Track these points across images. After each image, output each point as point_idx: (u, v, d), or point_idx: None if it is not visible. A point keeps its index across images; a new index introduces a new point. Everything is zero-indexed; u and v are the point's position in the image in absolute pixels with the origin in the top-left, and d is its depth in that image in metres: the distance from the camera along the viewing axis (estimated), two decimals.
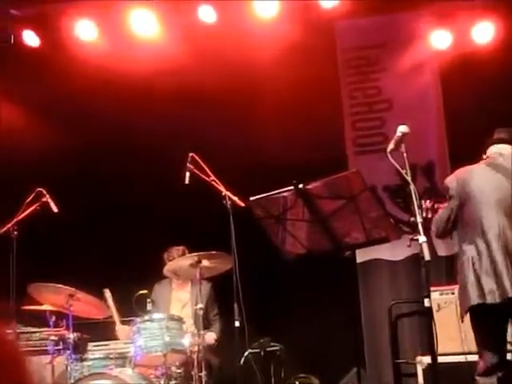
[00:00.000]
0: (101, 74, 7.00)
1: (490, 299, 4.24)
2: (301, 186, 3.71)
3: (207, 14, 7.21)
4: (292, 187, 3.74)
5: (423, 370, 5.81)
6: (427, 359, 5.59)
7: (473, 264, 4.31)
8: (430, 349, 3.67)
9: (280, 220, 3.89)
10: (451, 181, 4.62)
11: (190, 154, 5.62)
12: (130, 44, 7.22)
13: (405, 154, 3.76)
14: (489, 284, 4.24)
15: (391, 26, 7.39)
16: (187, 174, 5.57)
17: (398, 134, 3.88)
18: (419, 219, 3.59)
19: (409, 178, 3.63)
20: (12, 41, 7.90)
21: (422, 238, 3.54)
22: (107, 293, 5.95)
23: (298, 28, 6.95)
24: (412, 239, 3.56)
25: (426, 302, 3.58)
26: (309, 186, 3.72)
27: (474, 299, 4.28)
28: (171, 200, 6.88)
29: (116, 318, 6.05)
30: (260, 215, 3.94)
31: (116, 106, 7.22)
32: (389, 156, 3.76)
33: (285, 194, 3.79)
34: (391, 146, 3.83)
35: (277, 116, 6.86)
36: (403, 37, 7.28)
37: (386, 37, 7.38)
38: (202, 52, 7.14)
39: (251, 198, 3.91)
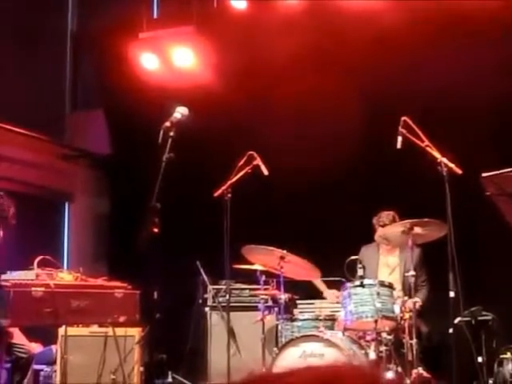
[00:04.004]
0: (307, 37, 6.97)
1: None
2: None
3: None
4: None
5: None
6: None
7: None
8: None
9: None
10: None
11: (403, 118, 5.48)
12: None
13: None
14: None
15: None
16: (399, 138, 5.45)
17: None
18: None
19: None
20: (215, 4, 8.06)
21: None
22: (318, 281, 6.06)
23: None
24: None
25: None
26: None
27: None
28: (383, 164, 6.80)
29: (321, 288, 6.15)
30: (493, 192, 3.78)
31: (327, 69, 7.20)
32: None
33: None
34: None
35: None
36: None
37: None
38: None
39: (484, 175, 3.75)
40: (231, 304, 6.13)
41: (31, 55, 8.34)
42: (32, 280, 4.40)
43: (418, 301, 5.71)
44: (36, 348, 5.80)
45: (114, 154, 8.82)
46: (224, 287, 6.38)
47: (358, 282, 5.46)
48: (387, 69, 7.01)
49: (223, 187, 5.83)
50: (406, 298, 5.57)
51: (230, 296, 6.04)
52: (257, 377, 0.98)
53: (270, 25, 7.31)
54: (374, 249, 6.35)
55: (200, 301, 6.91)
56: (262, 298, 6.17)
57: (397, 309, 5.44)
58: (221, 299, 6.70)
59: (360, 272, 5.56)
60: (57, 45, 9.12)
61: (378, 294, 5.37)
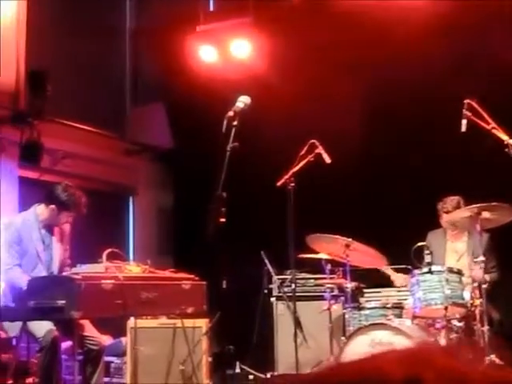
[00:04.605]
0: (364, 27, 6.89)
1: None
2: None
3: None
4: None
5: None
6: None
7: None
8: None
9: None
10: None
11: (466, 101, 5.35)
12: None
13: None
14: None
15: None
16: (464, 121, 5.32)
17: None
18: None
19: None
20: None
21: None
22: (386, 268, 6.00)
23: None
24: None
25: None
26: None
27: None
28: (449, 148, 6.68)
29: (389, 272, 6.07)
30: None
31: (375, 58, 7.09)
32: None
33: None
34: None
35: None
36: None
37: None
38: None
39: None
40: (297, 294, 6.10)
41: (92, 52, 8.47)
42: (101, 273, 4.48)
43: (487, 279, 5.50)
44: (106, 340, 5.90)
45: (176, 147, 8.90)
46: (289, 277, 6.36)
47: (426, 269, 5.37)
48: (447, 52, 6.87)
49: (286, 176, 5.79)
50: (475, 284, 5.43)
51: (295, 286, 6.01)
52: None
53: (327, 15, 7.24)
54: (441, 235, 6.21)
55: (265, 291, 6.92)
56: (328, 287, 6.14)
57: (467, 295, 5.33)
58: (286, 289, 6.69)
59: (428, 258, 5.46)
60: (116, 41, 9.25)
61: (447, 280, 5.27)
